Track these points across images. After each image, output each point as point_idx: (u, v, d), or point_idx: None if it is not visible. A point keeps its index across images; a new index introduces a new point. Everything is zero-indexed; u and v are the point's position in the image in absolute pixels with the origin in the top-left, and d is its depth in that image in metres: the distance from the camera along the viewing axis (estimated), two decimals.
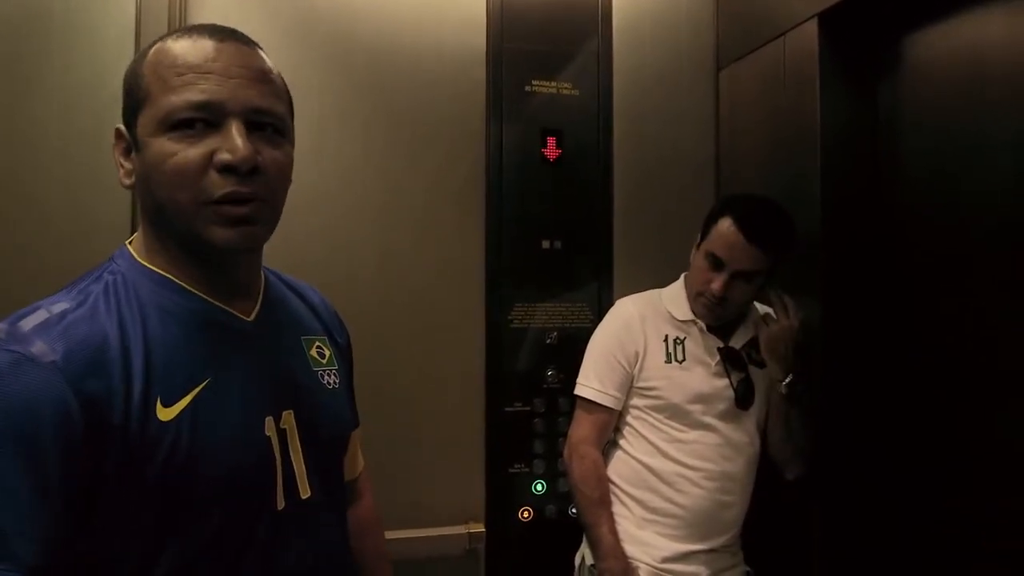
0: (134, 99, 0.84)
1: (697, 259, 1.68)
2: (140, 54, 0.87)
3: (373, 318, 1.84)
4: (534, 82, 1.99)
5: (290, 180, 0.90)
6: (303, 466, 0.92)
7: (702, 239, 1.68)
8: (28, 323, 0.76)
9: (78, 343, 0.76)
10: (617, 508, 1.69)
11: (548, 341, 1.99)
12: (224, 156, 0.80)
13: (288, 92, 0.92)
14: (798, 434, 1.67)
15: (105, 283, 0.84)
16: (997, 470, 1.44)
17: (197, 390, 0.82)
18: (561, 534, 1.90)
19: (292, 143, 0.91)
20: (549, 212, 2.00)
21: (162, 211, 0.83)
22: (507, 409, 1.95)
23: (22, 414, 0.71)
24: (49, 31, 1.65)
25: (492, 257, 1.95)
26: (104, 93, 1.67)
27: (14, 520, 0.69)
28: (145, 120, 0.82)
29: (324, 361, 1.03)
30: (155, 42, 0.86)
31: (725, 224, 1.61)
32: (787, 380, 1.64)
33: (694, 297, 1.69)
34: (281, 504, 0.88)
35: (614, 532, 1.64)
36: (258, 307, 0.95)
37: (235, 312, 0.91)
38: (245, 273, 0.93)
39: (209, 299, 0.88)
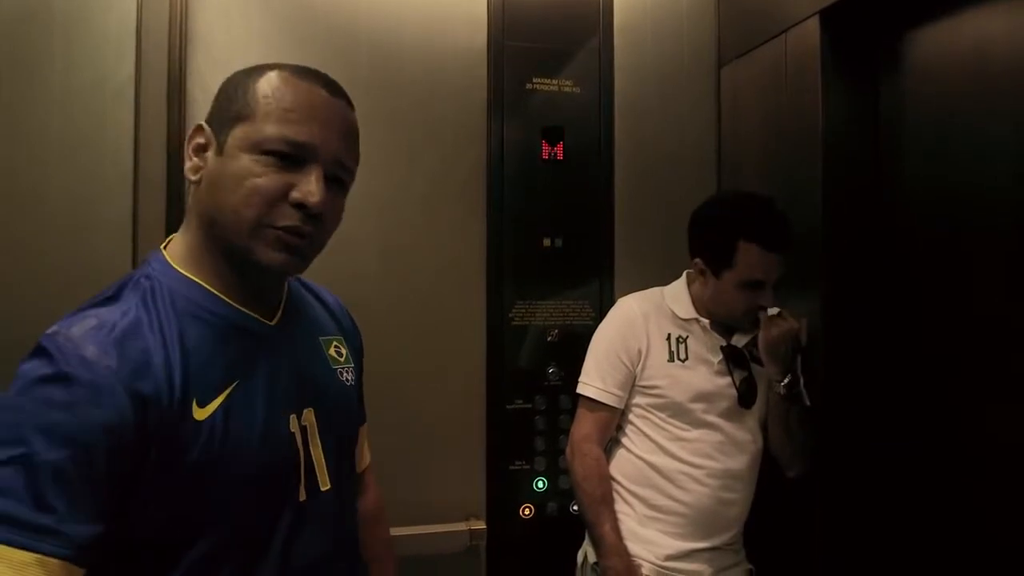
0: (234, 111, 0.90)
1: (726, 288, 1.63)
2: (251, 71, 0.93)
3: (374, 316, 1.82)
4: (535, 80, 1.99)
5: None
6: (322, 460, 0.98)
7: (720, 267, 1.63)
8: (81, 328, 0.81)
9: (128, 349, 0.82)
10: (620, 506, 1.69)
11: (549, 339, 1.99)
12: (304, 197, 0.87)
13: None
14: (797, 434, 1.67)
15: (143, 291, 0.89)
16: (999, 467, 1.44)
17: (228, 391, 0.88)
18: (562, 531, 1.90)
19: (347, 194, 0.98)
20: (550, 210, 2.00)
21: (219, 217, 0.89)
22: (508, 406, 1.95)
23: (83, 414, 0.76)
24: (51, 30, 1.64)
25: (493, 255, 1.96)
26: (106, 90, 1.67)
27: (66, 503, 0.75)
28: (240, 134, 0.88)
29: (342, 360, 1.09)
30: (271, 67, 0.92)
31: (751, 250, 1.58)
32: (785, 381, 1.64)
33: (738, 318, 1.67)
34: (303, 496, 0.94)
35: (617, 530, 1.64)
36: (281, 312, 1.00)
37: (260, 318, 0.96)
38: (272, 285, 1.00)
39: (237, 306, 0.94)
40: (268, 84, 0.90)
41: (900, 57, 1.70)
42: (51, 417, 0.75)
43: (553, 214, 2.00)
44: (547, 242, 2.00)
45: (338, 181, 0.93)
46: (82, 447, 0.75)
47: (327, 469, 0.98)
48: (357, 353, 1.16)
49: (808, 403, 1.65)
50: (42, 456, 0.74)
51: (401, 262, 1.90)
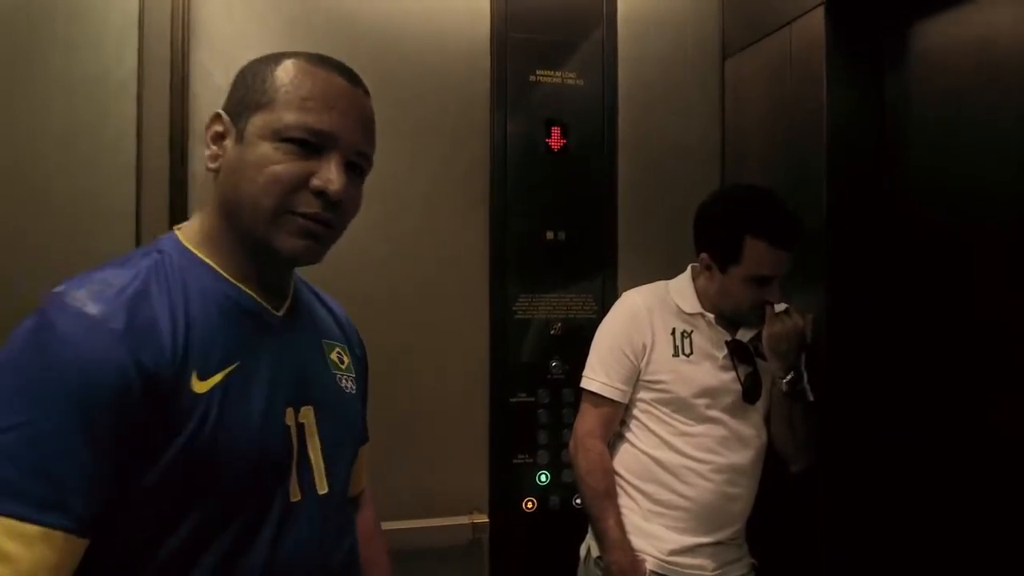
0: (253, 98, 0.90)
1: (732, 283, 1.62)
2: (267, 59, 0.93)
3: (377, 309, 1.83)
4: (538, 72, 1.98)
5: None
6: (321, 462, 0.96)
7: (727, 263, 1.62)
8: (88, 289, 0.80)
9: (136, 315, 0.80)
10: (624, 501, 1.69)
11: (552, 332, 1.99)
12: (324, 184, 0.88)
13: None
14: (800, 429, 1.67)
15: (154, 260, 0.88)
16: (1002, 459, 1.44)
17: (228, 370, 0.86)
18: (565, 525, 1.90)
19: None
20: (553, 203, 1.99)
21: (239, 205, 0.89)
22: (511, 400, 1.95)
23: (86, 375, 0.75)
24: (53, 22, 1.64)
25: (496, 248, 1.95)
26: (108, 82, 1.67)
27: (73, 475, 0.73)
28: (259, 122, 0.89)
29: (343, 367, 1.07)
30: (288, 55, 0.93)
31: (759, 247, 1.58)
32: (788, 378, 1.63)
33: (744, 313, 1.66)
34: (297, 496, 0.91)
35: (620, 525, 1.64)
36: (287, 305, 0.99)
37: (268, 305, 0.95)
38: (283, 275, 0.99)
39: (246, 290, 0.93)
40: (286, 72, 0.90)
41: (905, 48, 1.70)
42: (53, 382, 0.74)
43: (556, 207, 2.00)
44: (550, 235, 1.99)
45: (356, 168, 0.94)
46: (84, 413, 0.74)
47: (326, 472, 0.96)
48: (360, 365, 1.15)
49: (812, 399, 1.64)
50: (44, 423, 0.72)
51: (404, 255, 1.89)
